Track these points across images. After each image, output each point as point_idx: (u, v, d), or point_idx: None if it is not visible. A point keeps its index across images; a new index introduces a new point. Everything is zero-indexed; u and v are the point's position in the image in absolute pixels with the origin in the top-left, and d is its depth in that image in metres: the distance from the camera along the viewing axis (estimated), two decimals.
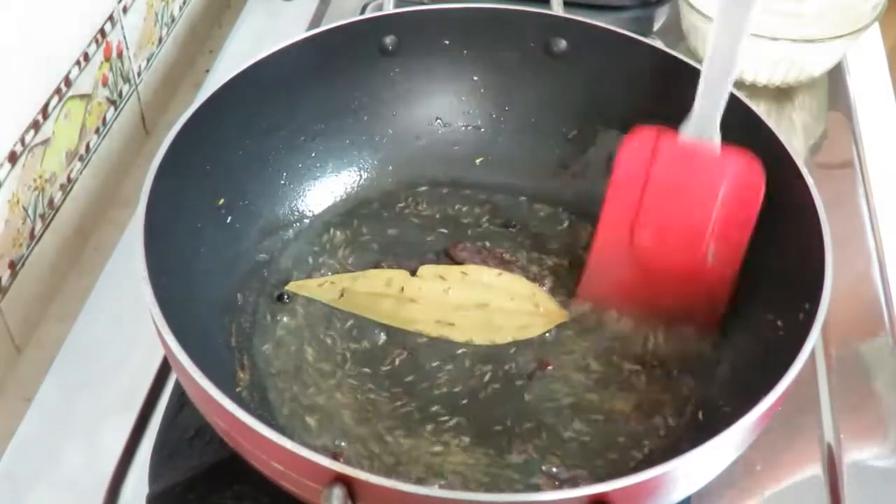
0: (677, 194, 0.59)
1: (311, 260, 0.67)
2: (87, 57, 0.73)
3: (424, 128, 0.73)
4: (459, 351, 0.62)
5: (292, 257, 0.67)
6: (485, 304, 0.63)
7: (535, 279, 0.66)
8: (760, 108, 0.62)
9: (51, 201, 0.70)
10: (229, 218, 0.64)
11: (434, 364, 0.61)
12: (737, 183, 0.58)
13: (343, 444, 0.56)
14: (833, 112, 0.86)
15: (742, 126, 0.62)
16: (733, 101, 0.62)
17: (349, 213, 0.70)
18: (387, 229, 0.69)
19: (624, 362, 0.61)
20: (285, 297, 0.64)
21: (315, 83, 0.68)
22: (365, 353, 0.62)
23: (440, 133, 0.73)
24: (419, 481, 0.54)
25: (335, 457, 0.54)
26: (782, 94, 0.86)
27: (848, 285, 0.69)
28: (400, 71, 0.71)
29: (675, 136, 0.59)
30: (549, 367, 0.60)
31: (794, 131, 0.84)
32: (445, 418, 0.58)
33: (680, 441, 0.54)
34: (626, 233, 0.61)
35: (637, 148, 0.60)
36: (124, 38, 0.78)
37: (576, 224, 0.70)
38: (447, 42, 0.71)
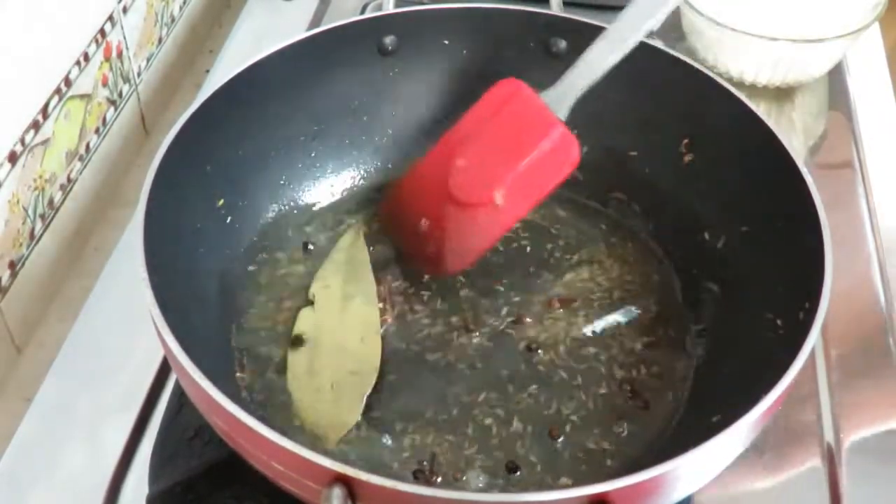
0: (505, 138, 0.63)
1: (309, 260, 0.67)
2: (87, 57, 0.73)
3: (424, 128, 0.73)
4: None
5: (291, 258, 0.67)
6: None
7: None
8: (760, 108, 0.62)
9: (51, 201, 0.70)
10: (229, 218, 0.64)
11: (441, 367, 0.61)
12: (553, 152, 0.62)
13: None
14: (833, 112, 0.86)
15: (742, 126, 0.62)
16: (733, 101, 0.63)
17: (349, 213, 0.70)
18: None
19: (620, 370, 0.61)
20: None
21: (315, 83, 0.68)
22: None
23: (440, 133, 0.73)
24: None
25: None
26: (782, 94, 0.86)
27: (848, 285, 0.69)
28: (400, 71, 0.71)
29: (534, 95, 0.63)
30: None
31: (794, 131, 0.84)
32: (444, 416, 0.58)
33: (679, 441, 0.54)
34: (446, 159, 0.64)
35: (497, 93, 0.64)
36: (124, 38, 0.78)
37: (574, 221, 0.70)
38: (447, 42, 0.71)
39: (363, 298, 0.63)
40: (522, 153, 0.63)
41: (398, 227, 0.67)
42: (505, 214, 0.63)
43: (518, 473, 0.56)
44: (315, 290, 0.64)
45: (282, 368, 0.60)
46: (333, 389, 0.58)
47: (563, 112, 0.63)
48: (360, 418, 0.57)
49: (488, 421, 0.58)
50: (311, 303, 0.64)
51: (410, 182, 0.67)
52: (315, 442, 0.56)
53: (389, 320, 0.63)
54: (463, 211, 0.63)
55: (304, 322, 0.62)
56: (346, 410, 0.57)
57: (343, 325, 0.62)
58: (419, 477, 0.55)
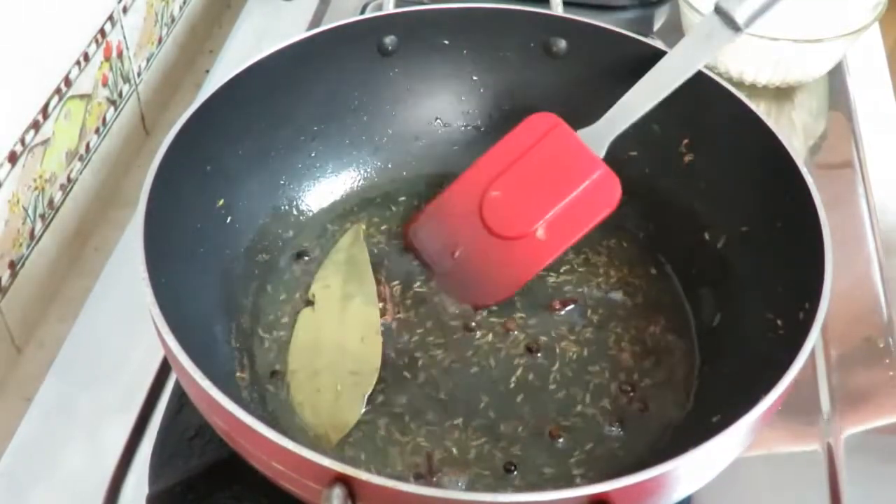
0: (542, 174, 0.65)
1: (309, 260, 0.67)
2: (87, 57, 0.73)
3: (424, 128, 0.73)
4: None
5: (291, 258, 0.67)
6: None
7: None
8: (760, 108, 0.62)
9: (51, 201, 0.70)
10: (229, 218, 0.64)
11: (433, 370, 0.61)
12: (593, 191, 0.64)
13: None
14: (833, 112, 0.86)
15: (742, 126, 0.62)
16: (733, 101, 0.63)
17: (349, 213, 0.70)
18: (387, 230, 0.69)
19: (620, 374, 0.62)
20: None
21: (315, 83, 0.68)
22: None
23: (440, 133, 0.73)
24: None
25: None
26: (782, 94, 0.86)
27: (848, 285, 0.69)
28: (400, 71, 0.71)
29: (572, 132, 0.65)
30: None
31: (794, 131, 0.84)
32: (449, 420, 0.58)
33: (679, 441, 0.54)
34: (481, 189, 0.65)
35: (533, 126, 0.66)
36: (124, 38, 0.78)
37: None
38: (447, 42, 0.71)
39: (363, 298, 0.63)
40: (565, 190, 0.64)
41: (430, 252, 0.66)
42: (543, 249, 0.64)
43: (517, 474, 0.56)
44: (315, 290, 0.64)
45: (282, 368, 0.60)
46: (334, 389, 0.58)
47: (601, 151, 0.64)
48: (360, 418, 0.57)
49: (487, 421, 0.58)
50: (311, 303, 0.64)
51: (440, 207, 0.67)
52: (316, 442, 0.56)
53: (390, 320, 0.63)
54: (500, 243, 0.64)
55: (305, 322, 0.62)
56: (347, 410, 0.58)
57: (343, 325, 0.62)
58: (419, 477, 0.55)
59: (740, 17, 0.62)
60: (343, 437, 0.57)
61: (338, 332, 0.62)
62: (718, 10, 0.63)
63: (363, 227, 0.69)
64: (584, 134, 0.65)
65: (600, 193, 0.64)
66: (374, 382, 0.59)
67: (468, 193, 0.66)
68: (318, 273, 0.66)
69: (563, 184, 0.64)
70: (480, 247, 0.65)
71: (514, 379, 0.60)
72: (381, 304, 0.64)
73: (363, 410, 0.58)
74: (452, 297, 0.64)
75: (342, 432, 0.57)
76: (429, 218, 0.68)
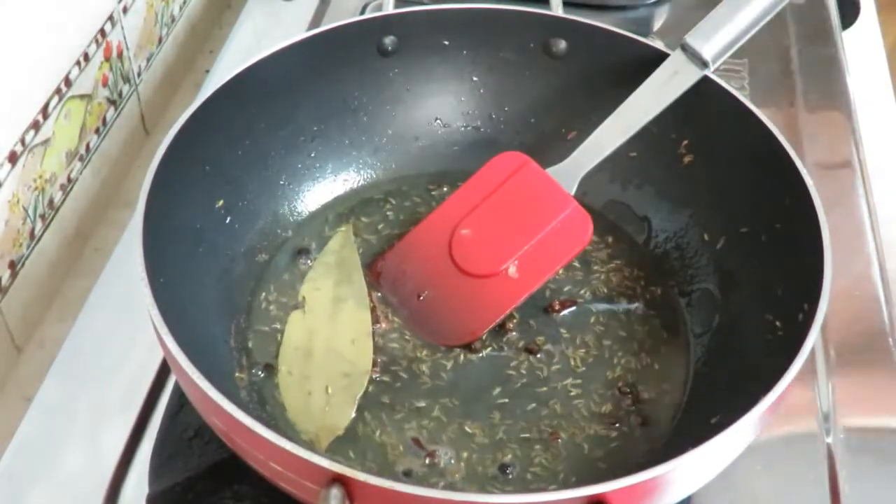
0: (512, 211, 0.64)
1: (309, 261, 0.67)
2: (87, 57, 0.73)
3: (424, 128, 0.73)
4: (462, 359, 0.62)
5: (291, 258, 0.67)
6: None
7: None
8: (760, 109, 0.62)
9: (51, 201, 0.70)
10: (229, 218, 0.64)
11: (433, 371, 0.61)
12: (565, 228, 0.63)
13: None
14: (833, 112, 0.86)
15: (741, 126, 0.62)
16: (733, 102, 0.63)
17: (348, 213, 0.70)
18: (386, 230, 0.69)
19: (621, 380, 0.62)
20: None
21: (315, 83, 0.68)
22: None
23: (439, 133, 0.73)
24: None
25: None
26: (782, 93, 0.86)
27: (848, 285, 0.69)
28: (399, 71, 0.71)
29: (541, 169, 0.64)
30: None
31: (794, 131, 0.83)
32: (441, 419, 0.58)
33: (678, 442, 0.54)
34: (451, 227, 0.64)
35: (502, 164, 0.65)
36: (124, 38, 0.78)
37: None
38: (447, 42, 0.71)
39: (355, 301, 0.63)
40: (536, 226, 0.63)
41: (395, 291, 0.65)
42: (514, 287, 0.62)
43: (514, 474, 0.56)
44: (305, 292, 0.64)
45: (276, 370, 0.60)
46: (324, 392, 0.58)
47: (571, 188, 0.63)
48: (351, 421, 0.57)
49: (485, 422, 0.58)
50: (300, 306, 0.64)
51: (408, 245, 0.66)
52: (307, 446, 0.56)
53: (384, 324, 0.63)
54: (470, 281, 0.63)
55: (295, 325, 0.62)
56: (338, 413, 0.57)
57: (334, 327, 0.62)
58: (408, 474, 0.55)
59: (707, 53, 0.62)
60: (334, 440, 0.56)
61: (329, 335, 0.61)
62: (685, 48, 0.63)
63: (354, 228, 0.69)
64: (554, 171, 0.64)
65: (572, 230, 0.63)
66: (366, 384, 0.59)
67: (437, 231, 0.65)
68: (307, 275, 0.65)
69: (534, 221, 0.63)
70: (450, 285, 0.63)
71: (512, 380, 0.60)
72: (374, 307, 0.63)
73: (353, 415, 0.58)
74: (418, 335, 0.62)
75: (332, 436, 0.56)
76: (396, 256, 0.66)
